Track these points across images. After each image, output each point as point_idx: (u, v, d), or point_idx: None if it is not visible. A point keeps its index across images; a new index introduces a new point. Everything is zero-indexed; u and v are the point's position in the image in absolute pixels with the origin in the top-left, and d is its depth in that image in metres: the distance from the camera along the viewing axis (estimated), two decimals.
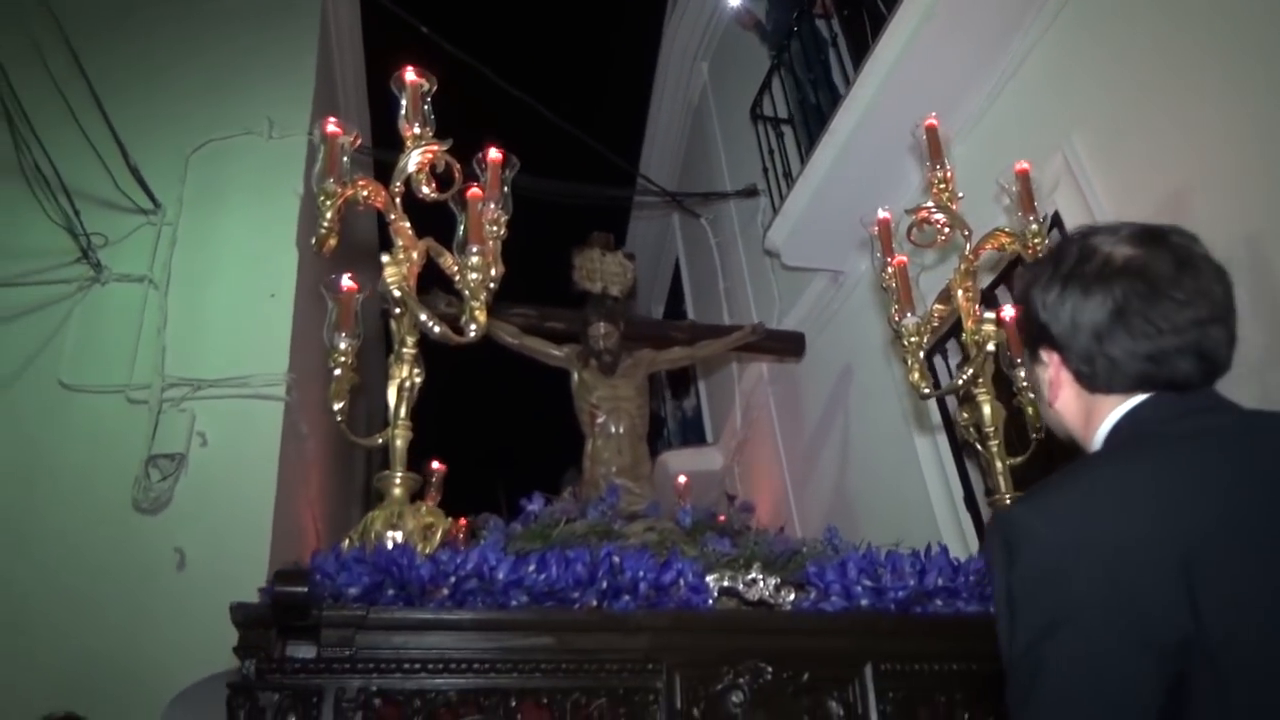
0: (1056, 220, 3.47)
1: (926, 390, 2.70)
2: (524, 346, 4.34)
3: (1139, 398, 1.11)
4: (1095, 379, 1.13)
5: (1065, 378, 1.18)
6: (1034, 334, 1.21)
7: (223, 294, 5.26)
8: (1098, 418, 1.15)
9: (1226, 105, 2.86)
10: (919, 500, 4.36)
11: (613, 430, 4.15)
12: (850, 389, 5.26)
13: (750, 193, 6.42)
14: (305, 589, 1.71)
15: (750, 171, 6.31)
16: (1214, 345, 1.09)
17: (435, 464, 4.21)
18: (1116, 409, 1.13)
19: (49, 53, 4.84)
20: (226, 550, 4.39)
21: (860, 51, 4.65)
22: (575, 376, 4.32)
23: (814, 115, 5.15)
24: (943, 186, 2.96)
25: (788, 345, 5.31)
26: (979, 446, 3.00)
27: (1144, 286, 1.09)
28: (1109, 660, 0.92)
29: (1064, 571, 0.95)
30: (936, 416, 4.48)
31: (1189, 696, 0.92)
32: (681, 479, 5.80)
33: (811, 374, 5.68)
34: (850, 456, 5.19)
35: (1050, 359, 1.19)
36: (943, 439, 4.44)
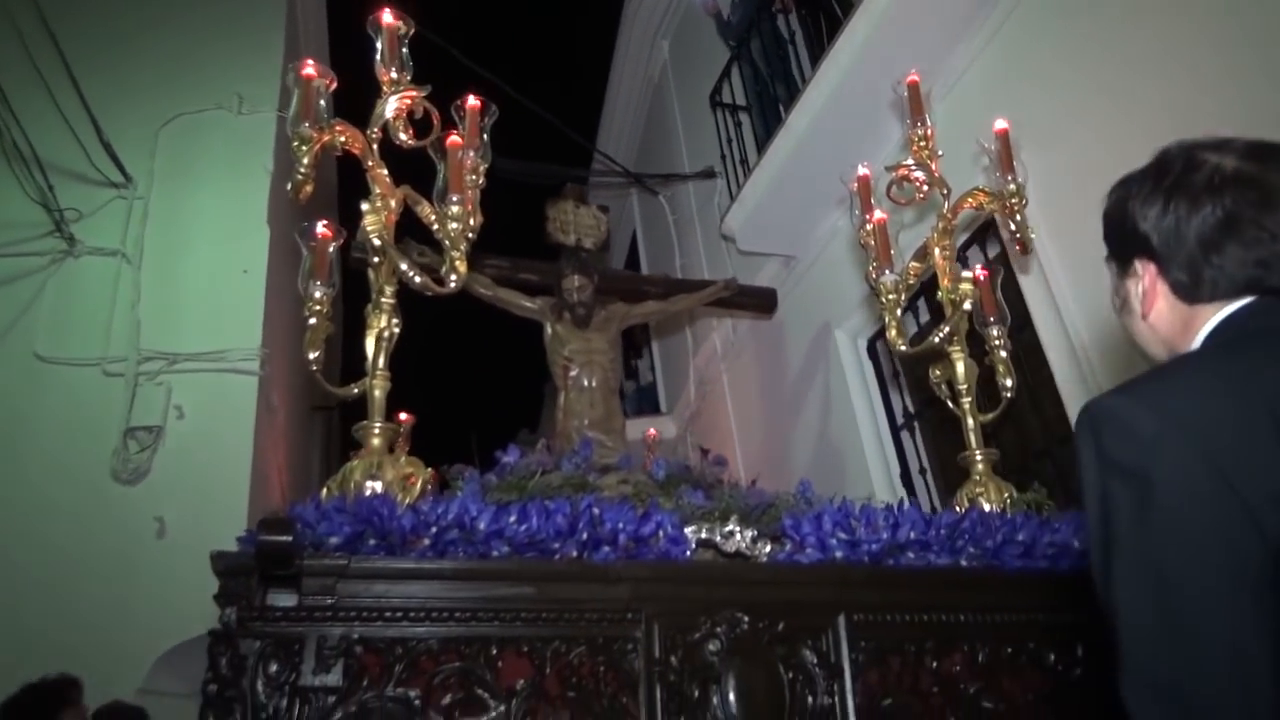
0: (990, 222, 3.65)
1: (903, 346, 2.73)
2: (497, 298, 4.31)
3: (1242, 301, 1.10)
4: (1198, 289, 1.13)
5: (1162, 289, 1.17)
6: (1128, 246, 1.20)
7: (196, 269, 5.35)
8: (1197, 325, 1.14)
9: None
10: (859, 473, 4.66)
11: (585, 383, 4.16)
12: (799, 367, 5.48)
13: (708, 175, 6.56)
14: (290, 538, 1.71)
15: (709, 151, 6.40)
16: None
17: (403, 415, 4.19)
18: (1218, 314, 1.12)
19: (23, 26, 4.84)
20: (205, 518, 4.50)
21: (817, 47, 4.91)
22: (548, 329, 4.31)
23: (771, 107, 5.34)
24: (923, 144, 2.96)
25: (759, 301, 5.34)
26: (950, 404, 3.05)
27: (1256, 195, 1.08)
28: (1210, 526, 0.90)
29: (1157, 445, 0.94)
30: (878, 398, 4.81)
31: None
32: (651, 431, 5.86)
33: (763, 351, 5.93)
34: (796, 431, 5.38)
35: (1145, 270, 1.18)
36: (882, 419, 4.79)
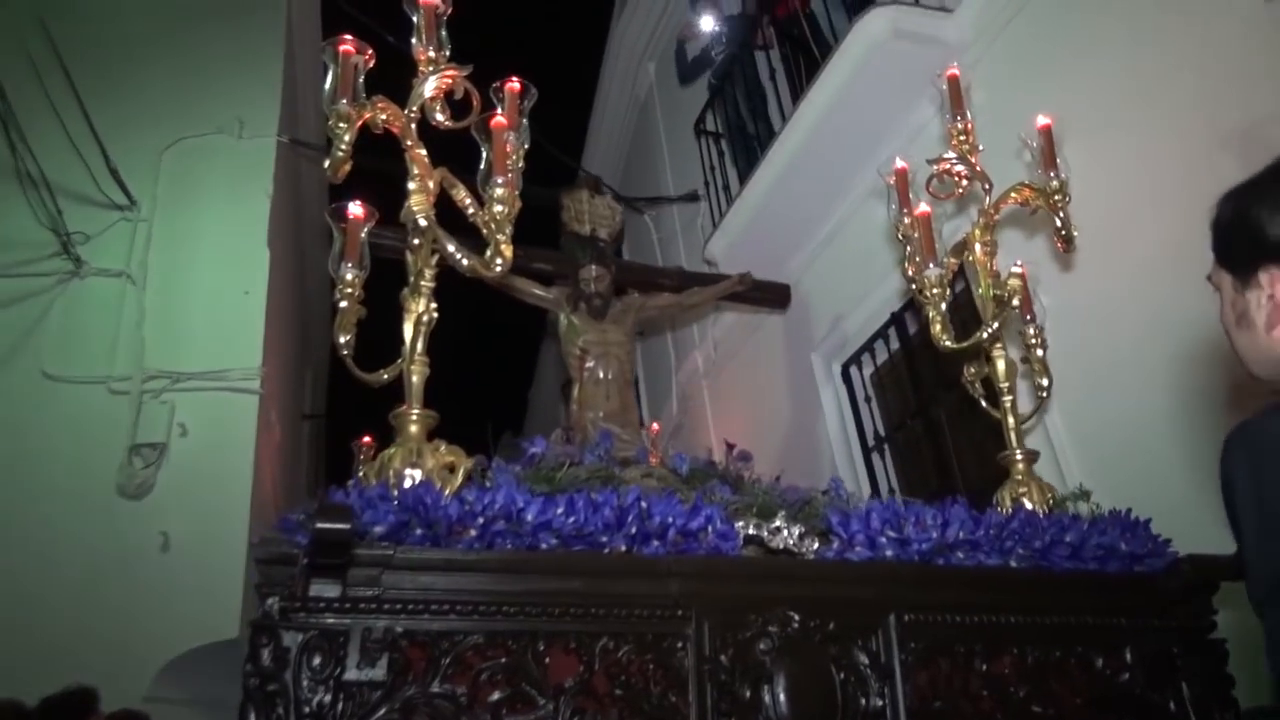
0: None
1: (948, 342, 2.68)
2: (512, 286, 4.23)
3: None
4: None
5: None
6: (1254, 254, 1.13)
7: (198, 289, 5.47)
8: None
9: None
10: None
11: (601, 375, 4.08)
12: (776, 389, 5.65)
13: (692, 198, 6.69)
14: (348, 525, 1.64)
15: (693, 171, 6.56)
16: None
17: (365, 439, 4.08)
18: None
19: (34, 53, 5.01)
20: (207, 533, 4.65)
21: (798, 84, 5.13)
22: (563, 319, 4.23)
23: (753, 140, 5.54)
24: (962, 138, 2.92)
25: (773, 296, 5.29)
26: (983, 403, 3.01)
27: None
28: None
29: None
30: (850, 421, 5.04)
31: None
32: (654, 425, 5.80)
33: (743, 370, 6.15)
34: (773, 449, 5.52)
35: (1275, 280, 1.10)
36: (855, 441, 4.97)
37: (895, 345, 4.77)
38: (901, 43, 4.18)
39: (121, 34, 5.94)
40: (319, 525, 1.60)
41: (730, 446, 3.41)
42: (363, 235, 2.62)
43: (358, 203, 2.62)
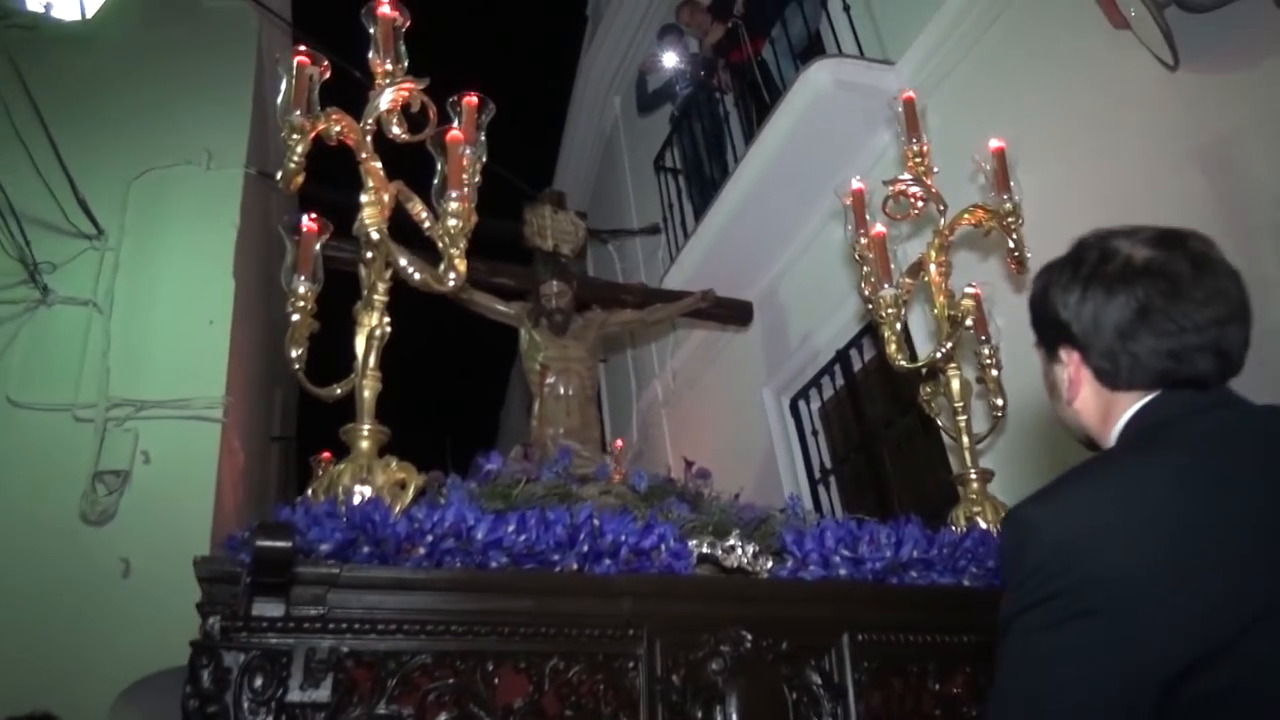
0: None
1: (903, 362, 2.69)
2: (472, 301, 4.20)
3: (1155, 393, 1.13)
4: (1117, 376, 1.15)
5: (1085, 375, 1.20)
6: (1053, 333, 1.22)
7: (163, 319, 5.55)
8: (1115, 414, 1.17)
9: None
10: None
11: (562, 391, 4.06)
12: (729, 420, 5.84)
13: (653, 231, 6.87)
14: (289, 544, 1.60)
15: (655, 204, 6.74)
16: (1231, 344, 1.12)
17: (325, 454, 4.04)
18: (1134, 404, 1.15)
19: (2, 84, 5.07)
20: (168, 560, 4.60)
21: (749, 127, 5.39)
22: (524, 335, 4.21)
23: (708, 180, 5.80)
24: (918, 160, 2.95)
25: (735, 313, 5.30)
26: (939, 421, 3.03)
27: (1166, 286, 1.11)
28: (1108, 650, 0.94)
29: (1071, 565, 0.97)
30: (798, 453, 5.24)
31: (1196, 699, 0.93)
32: (618, 443, 5.77)
33: (699, 402, 6.38)
34: (728, 478, 5.47)
35: (1070, 358, 1.21)
36: (802, 472, 5.16)
37: (840, 382, 5.01)
38: (844, 93, 4.41)
39: (91, 65, 5.99)
40: (259, 544, 1.57)
41: (689, 464, 3.41)
42: (317, 249, 2.59)
43: (310, 216, 2.59)
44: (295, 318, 2.47)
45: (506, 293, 4.38)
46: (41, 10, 4.84)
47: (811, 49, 5.03)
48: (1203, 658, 0.92)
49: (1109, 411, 1.18)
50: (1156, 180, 3.06)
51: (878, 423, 4.72)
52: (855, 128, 4.50)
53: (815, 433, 5.24)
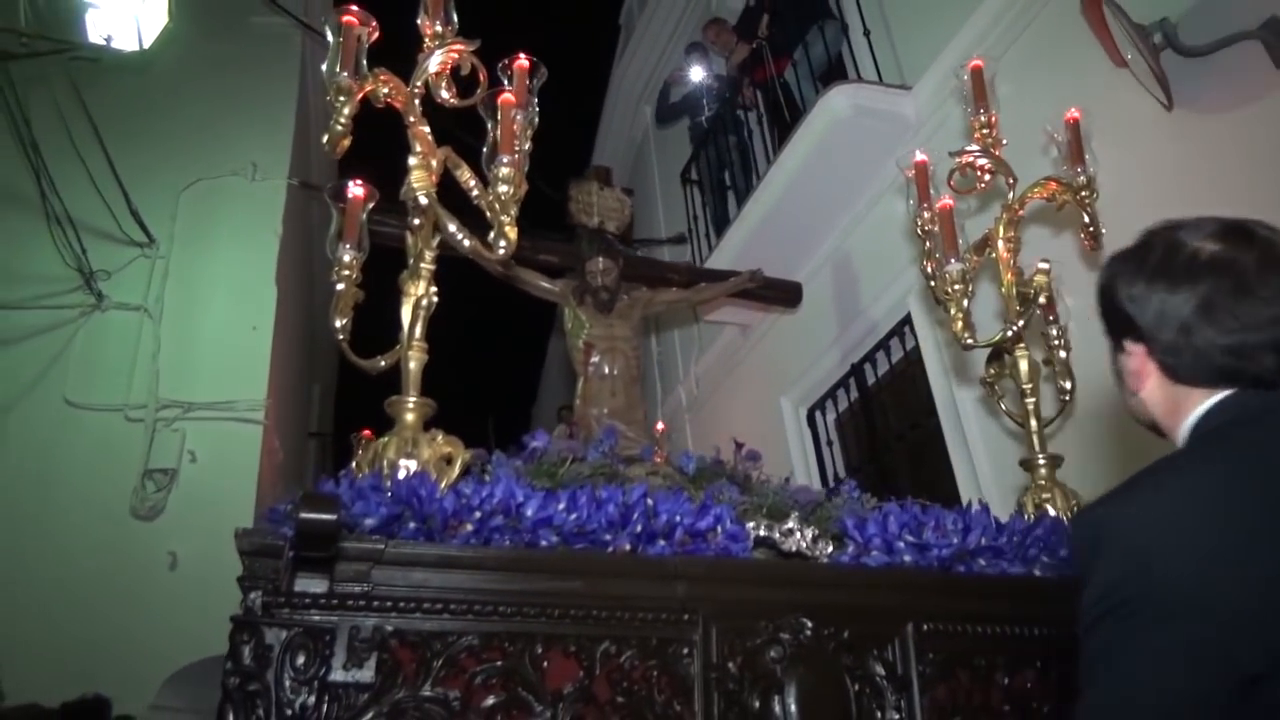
0: (908, 320, 4.58)
1: (970, 340, 2.56)
2: (517, 278, 4.12)
3: (1223, 393, 1.13)
4: (1180, 370, 1.15)
5: (1151, 368, 1.19)
6: (1119, 324, 1.22)
7: (210, 324, 5.89)
8: (1185, 409, 1.16)
9: None
10: None
11: (607, 371, 3.97)
12: (749, 428, 5.76)
13: (679, 240, 7.00)
14: (335, 516, 1.53)
15: (683, 213, 6.88)
16: None
17: (366, 431, 4.02)
18: (1202, 403, 1.15)
19: (60, 99, 5.42)
20: (212, 553, 4.93)
21: (770, 147, 5.50)
22: (568, 313, 4.13)
23: (728, 195, 6.05)
24: (986, 131, 2.81)
25: (784, 294, 5.16)
26: (1001, 406, 2.91)
27: (1230, 282, 1.11)
28: (1185, 654, 0.94)
29: (1147, 567, 0.97)
30: (814, 462, 5.38)
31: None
32: (660, 425, 5.69)
33: (720, 409, 6.52)
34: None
35: (1135, 350, 1.21)
36: (817, 482, 5.22)
37: (855, 395, 5.15)
38: (861, 117, 4.56)
39: (144, 82, 6.27)
40: (303, 516, 1.50)
41: (739, 445, 3.31)
42: (362, 217, 2.52)
43: (358, 182, 2.52)
44: (340, 287, 2.39)
45: (550, 269, 4.30)
46: (103, 42, 5.06)
47: (832, 72, 5.17)
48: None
49: (1177, 405, 1.17)
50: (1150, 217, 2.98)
51: (889, 435, 4.89)
52: (874, 149, 4.64)
53: (830, 443, 5.38)
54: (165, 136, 6.26)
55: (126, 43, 5.08)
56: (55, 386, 5.46)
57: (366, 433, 3.90)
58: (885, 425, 4.95)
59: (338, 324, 2.38)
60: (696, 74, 6.75)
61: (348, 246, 2.44)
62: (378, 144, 2.52)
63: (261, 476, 5.52)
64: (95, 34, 5.05)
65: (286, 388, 6.66)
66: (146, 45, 5.15)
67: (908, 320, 4.62)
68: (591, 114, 9.60)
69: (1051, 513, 2.39)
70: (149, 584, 4.94)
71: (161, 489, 5.28)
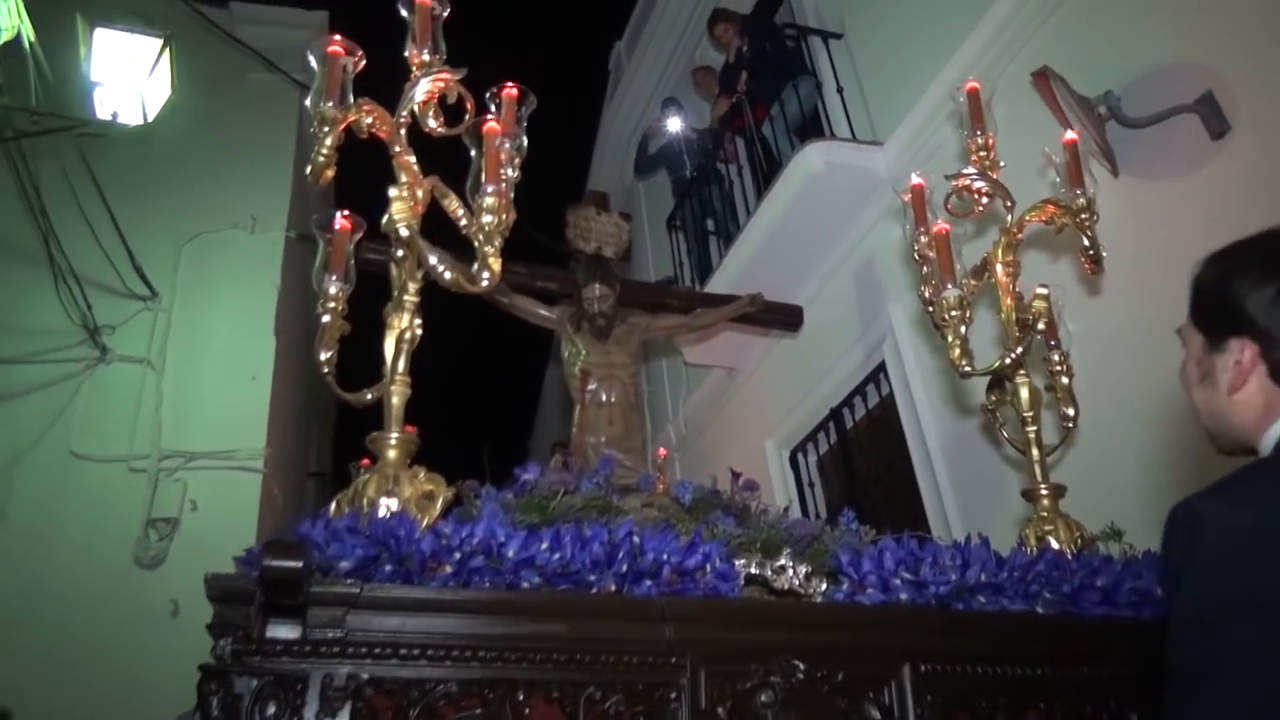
0: (883, 366, 4.85)
1: (968, 368, 2.51)
2: (514, 305, 4.08)
3: None
4: None
5: (1260, 370, 1.17)
6: (1227, 322, 1.19)
7: (211, 375, 6.00)
8: (1275, 412, 1.15)
9: None
10: None
11: (604, 398, 3.91)
12: (739, 465, 5.93)
13: (667, 283, 7.11)
14: (300, 563, 1.48)
15: (670, 256, 7.13)
16: None
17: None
18: None
19: (64, 157, 5.58)
20: None
21: (754, 195, 5.71)
22: (565, 340, 4.08)
23: (711, 244, 6.38)
24: (983, 154, 2.76)
25: (784, 318, 5.12)
26: (1002, 434, 2.84)
27: None
28: None
29: (1254, 558, 0.96)
30: (795, 504, 5.45)
31: None
32: (661, 451, 5.63)
33: (707, 450, 6.70)
34: None
35: (1244, 349, 1.17)
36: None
37: (834, 438, 5.37)
38: (834, 172, 4.83)
39: (144, 138, 6.30)
40: (267, 562, 1.45)
41: (735, 475, 3.25)
42: (349, 249, 2.48)
43: (344, 213, 2.49)
44: (325, 319, 2.35)
45: (548, 296, 4.26)
46: (110, 118, 5.29)
47: (809, 126, 5.50)
48: None
49: (1270, 407, 1.15)
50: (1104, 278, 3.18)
51: (868, 477, 5.08)
52: (848, 202, 4.95)
53: (812, 485, 5.57)
54: (167, 192, 6.42)
55: (132, 117, 5.29)
56: (61, 438, 5.57)
57: (365, 462, 3.87)
58: (865, 467, 5.14)
59: (323, 357, 2.34)
60: (674, 125, 7.06)
61: (333, 278, 2.40)
62: (381, 178, 2.49)
63: (261, 523, 5.59)
64: (103, 110, 5.24)
65: (286, 433, 6.74)
66: (150, 118, 5.37)
67: (883, 367, 4.86)
68: (581, 159, 9.79)
69: (1055, 545, 2.33)
70: (152, 632, 4.95)
71: (164, 538, 5.38)
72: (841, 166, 4.83)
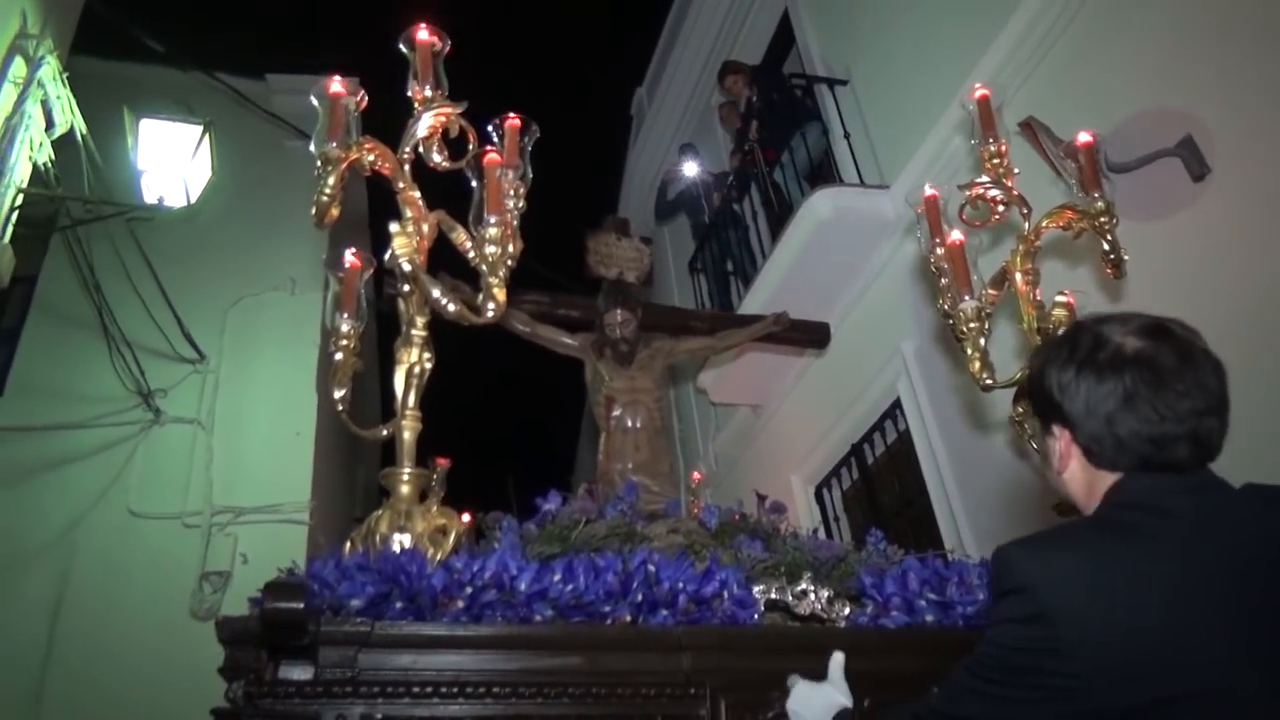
0: (898, 404, 5.00)
1: (988, 380, 2.45)
2: (536, 335, 4.08)
3: (1135, 474, 1.21)
4: (1102, 456, 1.23)
5: (1075, 452, 1.27)
6: (1047, 409, 1.30)
7: (257, 432, 6.27)
8: (1099, 489, 1.24)
9: None
10: None
11: (629, 424, 3.88)
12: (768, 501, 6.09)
13: None
14: (301, 604, 1.47)
15: (694, 301, 7.35)
16: (1208, 433, 1.19)
17: (441, 460, 3.96)
18: (1114, 480, 1.23)
19: (120, 245, 6.00)
20: None
21: (763, 240, 6.06)
22: (589, 367, 4.07)
23: (735, 278, 6.50)
24: (997, 161, 2.71)
25: (811, 336, 5.06)
26: (1031, 445, 2.77)
27: (1151, 376, 1.19)
28: (1069, 697, 1.06)
29: (1049, 619, 1.08)
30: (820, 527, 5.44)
31: None
32: (696, 475, 5.59)
33: (736, 485, 6.66)
34: None
35: (1061, 434, 1.28)
36: None
37: (856, 474, 5.51)
38: (843, 217, 4.99)
39: (188, 215, 6.60)
40: (267, 605, 1.44)
41: (761, 498, 3.20)
42: (360, 286, 2.50)
43: (353, 251, 2.50)
44: (338, 356, 2.37)
45: (571, 324, 4.25)
46: (156, 202, 5.65)
47: (820, 169, 5.66)
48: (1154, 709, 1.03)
49: (1094, 486, 1.25)
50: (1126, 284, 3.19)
51: (890, 511, 5.15)
52: (858, 243, 5.12)
53: (837, 519, 5.69)
54: (211, 261, 6.74)
55: (176, 200, 5.68)
56: (119, 498, 5.82)
57: (442, 461, 3.88)
58: (887, 501, 5.23)
59: (337, 395, 2.35)
60: (690, 170, 7.22)
61: (345, 316, 2.42)
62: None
63: None
64: (149, 195, 5.60)
65: (330, 484, 6.89)
66: (193, 200, 5.73)
67: (899, 403, 4.97)
68: (609, 201, 9.94)
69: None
70: (207, 682, 5.17)
71: (217, 590, 5.57)
72: (849, 211, 5.01)
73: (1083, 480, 1.27)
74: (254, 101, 7.08)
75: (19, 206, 4.98)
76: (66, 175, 5.42)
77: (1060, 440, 1.28)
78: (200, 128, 5.69)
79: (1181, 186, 3.29)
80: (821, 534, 5.37)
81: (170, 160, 5.64)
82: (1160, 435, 1.17)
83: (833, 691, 1.58)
